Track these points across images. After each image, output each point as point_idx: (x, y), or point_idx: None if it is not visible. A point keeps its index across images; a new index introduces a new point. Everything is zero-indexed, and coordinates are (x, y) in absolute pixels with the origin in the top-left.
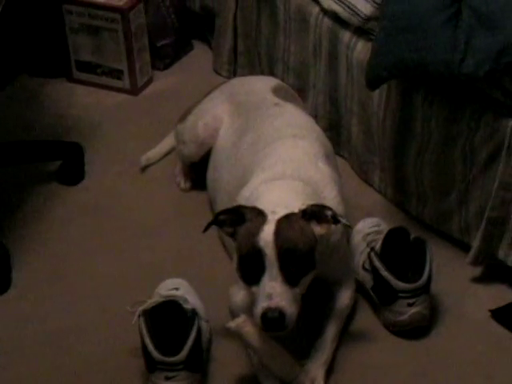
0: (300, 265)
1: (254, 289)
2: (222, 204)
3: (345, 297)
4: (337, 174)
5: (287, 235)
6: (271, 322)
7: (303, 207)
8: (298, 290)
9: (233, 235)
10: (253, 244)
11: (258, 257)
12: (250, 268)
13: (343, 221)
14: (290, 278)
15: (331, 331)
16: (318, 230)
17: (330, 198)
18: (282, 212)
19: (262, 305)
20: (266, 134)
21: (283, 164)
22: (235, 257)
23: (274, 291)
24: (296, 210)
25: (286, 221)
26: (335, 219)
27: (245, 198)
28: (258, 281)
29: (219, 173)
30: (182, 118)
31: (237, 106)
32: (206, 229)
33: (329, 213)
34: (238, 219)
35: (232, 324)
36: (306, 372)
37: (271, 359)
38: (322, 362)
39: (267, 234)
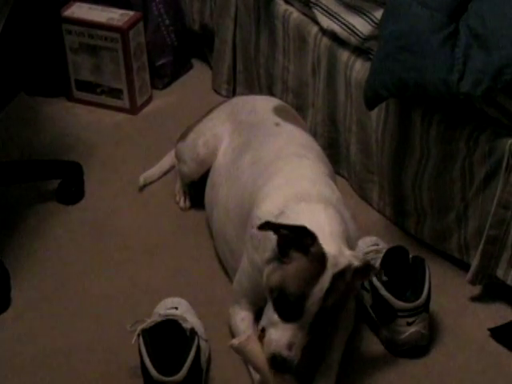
0: (329, 321)
1: (276, 319)
2: (219, 220)
3: (346, 319)
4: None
5: (334, 297)
6: (280, 365)
7: (358, 264)
8: (310, 337)
9: (283, 252)
10: (301, 292)
11: (299, 304)
12: (285, 304)
13: (376, 284)
14: (314, 329)
15: (335, 355)
16: (356, 285)
17: (348, 219)
18: (339, 264)
19: (276, 348)
20: (266, 153)
21: (300, 182)
22: (272, 275)
23: (297, 342)
24: (350, 259)
25: (339, 277)
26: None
27: (273, 214)
28: (286, 318)
29: (217, 191)
30: (183, 136)
31: (237, 125)
32: (262, 227)
33: (373, 274)
34: (299, 243)
35: (235, 341)
36: None
37: (273, 378)
38: None
39: (320, 289)
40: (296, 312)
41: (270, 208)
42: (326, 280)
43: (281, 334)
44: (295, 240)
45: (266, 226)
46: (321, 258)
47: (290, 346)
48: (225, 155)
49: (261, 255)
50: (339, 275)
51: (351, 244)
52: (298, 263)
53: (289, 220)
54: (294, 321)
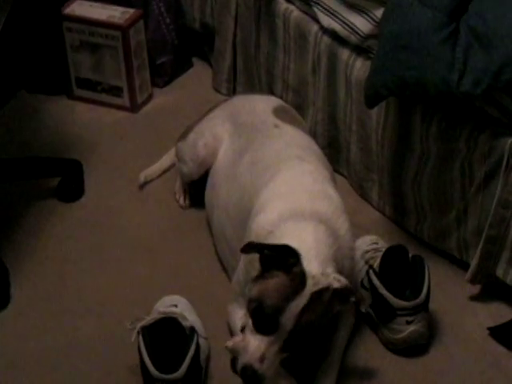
0: (305, 340)
1: (251, 329)
2: (219, 219)
3: (346, 318)
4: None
5: (311, 316)
6: (249, 377)
7: (338, 286)
8: (287, 354)
9: (266, 269)
10: (278, 306)
11: (274, 317)
12: (262, 316)
13: (363, 309)
14: (288, 347)
15: (336, 353)
16: (336, 307)
17: (344, 233)
18: (319, 283)
19: (249, 360)
20: (266, 155)
21: (298, 195)
22: (251, 286)
23: (268, 356)
24: (330, 281)
25: (317, 297)
26: (356, 301)
27: (266, 230)
28: (261, 331)
29: (217, 191)
30: (183, 135)
31: (237, 127)
32: (245, 250)
33: (353, 299)
34: (282, 262)
35: (229, 343)
36: None
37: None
38: None
39: (296, 306)
40: (271, 325)
41: (264, 222)
42: (303, 297)
43: (254, 347)
44: (278, 259)
45: (249, 247)
46: (301, 277)
47: (261, 359)
48: (225, 156)
49: (251, 270)
50: (317, 295)
51: (343, 262)
52: (278, 279)
53: (277, 240)
54: (269, 334)
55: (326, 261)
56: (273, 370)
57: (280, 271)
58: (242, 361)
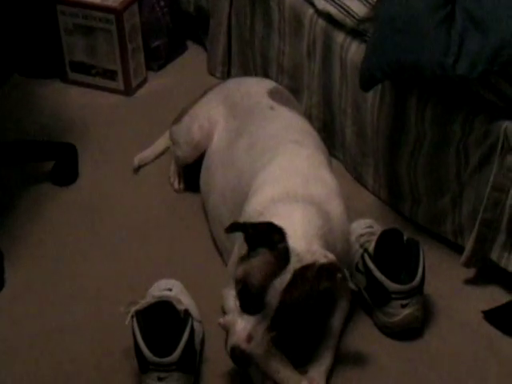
0: (292, 318)
1: (238, 309)
2: (215, 203)
3: (341, 302)
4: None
5: (296, 293)
6: (238, 358)
7: (324, 261)
8: (276, 333)
9: (252, 247)
10: (262, 284)
11: (259, 296)
12: (247, 296)
13: (352, 286)
14: (275, 325)
15: (333, 336)
16: (324, 284)
17: (338, 216)
18: (303, 260)
19: (237, 341)
20: (262, 139)
21: (292, 179)
22: (238, 267)
23: (256, 335)
24: (316, 257)
25: (301, 274)
26: (344, 278)
27: (257, 212)
28: (247, 310)
29: (213, 175)
30: (177, 119)
31: (232, 109)
32: (230, 230)
33: (339, 276)
34: (267, 239)
35: (221, 320)
36: (308, 379)
37: (262, 360)
38: (324, 369)
39: (280, 283)
40: (257, 305)
41: (256, 204)
42: (287, 274)
43: (241, 327)
44: (264, 237)
45: (233, 227)
46: (285, 254)
47: (248, 339)
48: (220, 139)
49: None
50: (301, 271)
51: (335, 245)
52: (262, 257)
53: (266, 220)
54: (255, 313)
55: (313, 239)
56: (261, 349)
57: (265, 249)
58: (230, 342)
